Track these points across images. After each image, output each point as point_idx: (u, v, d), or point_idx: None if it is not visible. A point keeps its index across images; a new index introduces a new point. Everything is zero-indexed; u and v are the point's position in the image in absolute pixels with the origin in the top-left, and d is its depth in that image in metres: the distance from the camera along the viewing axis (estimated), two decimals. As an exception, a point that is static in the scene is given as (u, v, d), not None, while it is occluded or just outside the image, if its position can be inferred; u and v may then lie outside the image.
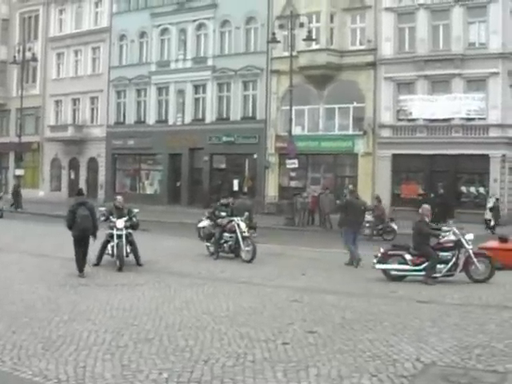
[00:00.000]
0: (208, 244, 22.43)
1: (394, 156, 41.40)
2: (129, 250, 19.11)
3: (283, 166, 42.83)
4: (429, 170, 40.68)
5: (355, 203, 21.70)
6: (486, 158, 38.74)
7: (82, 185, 56.24)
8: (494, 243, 20.53)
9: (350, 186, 32.36)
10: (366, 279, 17.54)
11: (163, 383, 8.34)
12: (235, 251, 21.30)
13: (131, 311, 12.69)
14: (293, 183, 40.19)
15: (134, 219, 20.07)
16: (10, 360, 9.29)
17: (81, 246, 17.71)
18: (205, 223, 24.78)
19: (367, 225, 29.62)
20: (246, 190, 42.35)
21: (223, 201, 23.06)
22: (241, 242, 20.97)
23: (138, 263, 19.20)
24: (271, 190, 45.35)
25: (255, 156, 46.44)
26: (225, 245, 21.64)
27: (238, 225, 21.15)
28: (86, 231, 17.71)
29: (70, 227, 17.78)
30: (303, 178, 43.67)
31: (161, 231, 29.73)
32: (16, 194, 48.84)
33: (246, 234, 21.08)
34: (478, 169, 39.57)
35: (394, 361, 9.40)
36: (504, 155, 38.94)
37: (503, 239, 20.97)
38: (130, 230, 19.45)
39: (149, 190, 54.14)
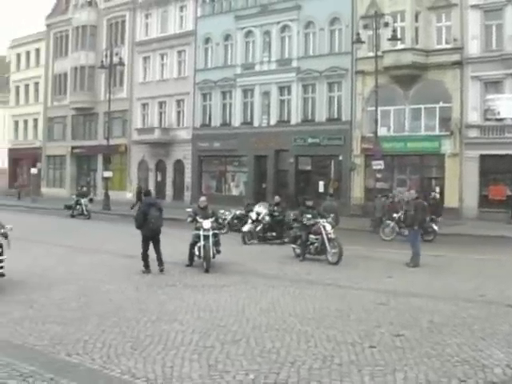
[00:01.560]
0: (294, 246, 22.41)
1: (482, 157, 40.53)
2: (215, 251, 19.31)
3: (369, 168, 42.48)
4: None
5: (422, 203, 22.17)
6: None
7: (169, 186, 57.29)
8: None
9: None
10: (451, 283, 17.32)
11: (250, 384, 8.41)
12: (321, 253, 21.25)
13: (218, 312, 12.84)
14: (378, 185, 39.84)
15: (220, 220, 20.37)
16: (100, 358, 9.54)
17: (149, 244, 18.50)
18: (248, 227, 26.79)
19: None
20: (331, 191, 42.15)
21: (308, 203, 22.99)
22: (327, 244, 20.92)
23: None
24: (357, 192, 45.04)
25: (340, 157, 46.22)
26: (311, 247, 21.59)
27: (324, 226, 21.17)
28: (158, 230, 18.39)
29: (140, 227, 18.38)
30: (389, 179, 43.28)
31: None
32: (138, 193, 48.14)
33: (332, 236, 21.02)
34: None
35: (483, 366, 9.27)
36: None
37: None
38: (216, 231, 19.69)
39: (234, 192, 54.48)
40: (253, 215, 26.98)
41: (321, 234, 21.14)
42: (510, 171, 39.85)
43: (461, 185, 41.13)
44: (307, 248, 21.68)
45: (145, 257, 18.49)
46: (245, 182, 53.44)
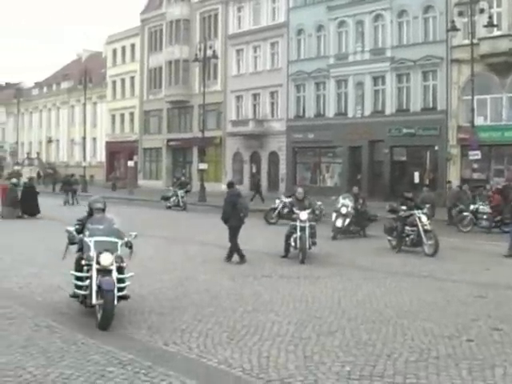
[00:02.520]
0: (390, 238, 22.11)
1: None
2: (311, 243, 19.35)
3: (465, 158, 41.76)
4: None
5: None
6: None
7: (264, 178, 57.47)
8: None
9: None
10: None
11: (346, 376, 8.42)
12: (417, 245, 20.91)
13: (313, 303, 12.88)
14: (475, 175, 39.12)
15: (317, 211, 20.42)
16: (197, 347, 9.70)
17: (238, 233, 18.90)
18: (341, 222, 25.55)
19: (484, 216, 29.01)
20: (427, 182, 41.64)
21: (407, 194, 22.46)
22: (423, 236, 20.55)
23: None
24: (453, 183, 44.33)
25: (436, 148, 45.53)
26: (407, 238, 21.27)
27: (420, 218, 20.79)
28: (244, 220, 18.87)
29: (228, 219, 18.67)
30: (486, 169, 42.40)
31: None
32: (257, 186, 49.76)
33: (428, 228, 20.67)
34: None
35: None
36: None
37: None
38: (312, 223, 19.71)
39: (329, 183, 54.40)
40: (343, 209, 25.54)
41: (416, 225, 20.79)
42: None
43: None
44: (403, 240, 21.37)
45: (237, 247, 18.75)
46: (339, 173, 53.27)
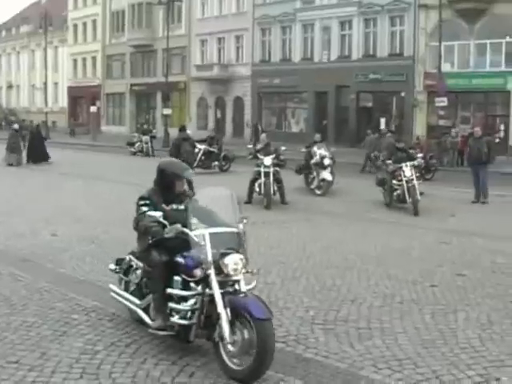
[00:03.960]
0: (383, 190, 20.39)
1: (550, 93, 39.70)
2: (276, 188, 19.39)
3: (432, 105, 41.96)
4: None
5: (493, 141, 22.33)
6: None
7: (229, 123, 57.30)
8: None
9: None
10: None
11: (310, 321, 8.50)
12: (403, 201, 19.10)
13: (279, 249, 12.96)
14: (441, 122, 39.32)
15: (282, 157, 20.38)
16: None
17: None
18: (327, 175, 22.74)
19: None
20: (393, 128, 41.78)
21: (399, 144, 20.62)
22: (405, 192, 18.93)
23: (284, 201, 19.48)
24: (419, 129, 44.47)
25: (403, 94, 45.62)
26: (394, 194, 19.55)
27: (404, 172, 19.14)
28: (192, 165, 19.01)
29: None
30: (452, 116, 42.61)
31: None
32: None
33: (412, 183, 18.88)
34: None
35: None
36: None
37: None
38: (277, 168, 19.74)
39: (294, 129, 54.44)
40: (326, 161, 22.62)
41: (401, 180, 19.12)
42: None
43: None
44: (392, 195, 19.56)
45: None
46: (305, 118, 53.31)
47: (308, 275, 10.83)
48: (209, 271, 6.79)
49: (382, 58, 46.78)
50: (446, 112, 39.32)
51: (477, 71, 42.25)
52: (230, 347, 6.60)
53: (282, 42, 54.37)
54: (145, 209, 7.57)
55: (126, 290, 8.20)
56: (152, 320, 7.35)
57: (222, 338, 6.65)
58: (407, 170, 19.01)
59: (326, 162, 22.50)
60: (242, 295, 6.78)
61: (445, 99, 37.78)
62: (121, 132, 64.54)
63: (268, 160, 19.49)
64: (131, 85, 68.94)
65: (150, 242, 7.54)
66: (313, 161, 22.84)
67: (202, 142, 30.07)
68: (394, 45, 46.85)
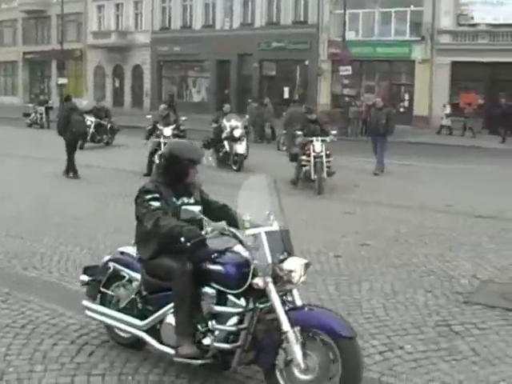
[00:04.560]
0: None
1: (454, 63, 40.45)
2: None
3: (336, 73, 42.31)
4: (490, 78, 39.70)
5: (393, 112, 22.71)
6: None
7: (128, 93, 56.62)
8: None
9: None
10: (419, 192, 17.56)
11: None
12: (311, 179, 17.80)
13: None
14: (346, 91, 39.78)
15: (182, 127, 20.26)
16: (58, 271, 9.62)
17: (75, 150, 19.24)
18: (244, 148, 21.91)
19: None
20: (296, 98, 42.01)
21: (311, 116, 19.28)
22: (312, 170, 17.68)
23: None
24: (323, 98, 44.95)
25: (307, 62, 45.92)
26: (303, 169, 18.21)
27: (314, 146, 17.84)
28: (81, 136, 19.07)
29: (62, 133, 18.85)
30: (357, 85, 43.11)
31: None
32: None
33: (321, 159, 17.68)
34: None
35: (449, 277, 9.49)
36: None
37: None
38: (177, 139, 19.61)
39: (196, 98, 54.21)
40: (236, 132, 21.60)
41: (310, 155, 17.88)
42: (482, 79, 39.87)
43: (431, 92, 41.22)
44: (301, 171, 18.28)
45: (72, 161, 19.08)
46: (207, 87, 53.13)
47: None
48: (268, 279, 5.56)
49: (286, 25, 46.88)
50: (350, 81, 39.70)
51: (381, 40, 42.85)
52: (299, 375, 5.50)
53: (182, 8, 53.86)
54: (156, 204, 6.15)
55: (103, 305, 6.91)
56: (173, 346, 6.01)
57: (287, 363, 5.54)
58: (317, 145, 17.79)
59: (237, 133, 21.61)
60: (306, 309, 5.71)
61: (349, 68, 38.18)
62: (13, 103, 62.87)
63: (168, 131, 19.38)
64: (24, 53, 67.07)
65: (189, 244, 5.74)
66: (223, 135, 21.90)
67: (88, 113, 29.15)
68: (298, 12, 47.00)
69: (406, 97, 42.75)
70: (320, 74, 44.68)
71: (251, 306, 5.67)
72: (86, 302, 6.96)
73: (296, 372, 5.46)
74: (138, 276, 6.49)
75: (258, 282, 5.55)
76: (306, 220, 13.33)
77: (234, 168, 21.37)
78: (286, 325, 5.42)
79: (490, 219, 13.78)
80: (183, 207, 6.21)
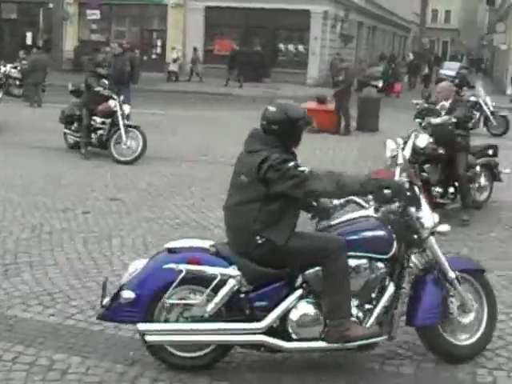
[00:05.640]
0: (67, 131, 16.26)
1: (207, 8, 41.09)
2: None
3: (83, 17, 41.67)
4: (245, 24, 40.74)
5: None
6: (306, 14, 39.28)
7: None
8: (312, 104, 21.05)
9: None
10: (172, 142, 17.95)
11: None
12: (107, 146, 15.37)
13: None
14: (94, 37, 39.37)
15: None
16: None
17: None
18: None
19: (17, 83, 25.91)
20: (40, 44, 40.90)
21: (102, 70, 16.02)
22: (122, 133, 15.09)
23: None
24: (69, 45, 44.01)
25: (51, 5, 44.51)
26: (93, 135, 15.59)
27: (120, 105, 15.35)
28: None
29: None
30: (106, 31, 42.71)
31: None
32: None
33: (131, 122, 15.65)
34: (298, 25, 40.08)
35: (203, 227, 9.83)
36: (326, 12, 39.67)
37: (321, 100, 21.87)
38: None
39: None
40: None
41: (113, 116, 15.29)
42: (237, 25, 40.77)
43: (184, 38, 41.60)
44: (90, 136, 15.51)
45: None
46: None
47: None
48: (425, 236, 5.69)
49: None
50: (99, 26, 39.31)
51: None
52: (461, 319, 5.92)
53: None
54: (305, 168, 5.39)
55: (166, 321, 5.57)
56: (323, 339, 5.54)
57: (451, 314, 5.85)
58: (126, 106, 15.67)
59: None
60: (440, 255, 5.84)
61: (97, 12, 37.82)
62: None
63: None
64: None
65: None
66: None
67: None
68: None
69: (159, 43, 42.91)
70: (66, 18, 43.68)
71: (406, 264, 5.74)
72: (142, 325, 5.49)
73: (458, 318, 5.88)
74: (230, 272, 5.47)
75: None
76: (51, 175, 13.19)
77: None
78: (451, 272, 5.78)
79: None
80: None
